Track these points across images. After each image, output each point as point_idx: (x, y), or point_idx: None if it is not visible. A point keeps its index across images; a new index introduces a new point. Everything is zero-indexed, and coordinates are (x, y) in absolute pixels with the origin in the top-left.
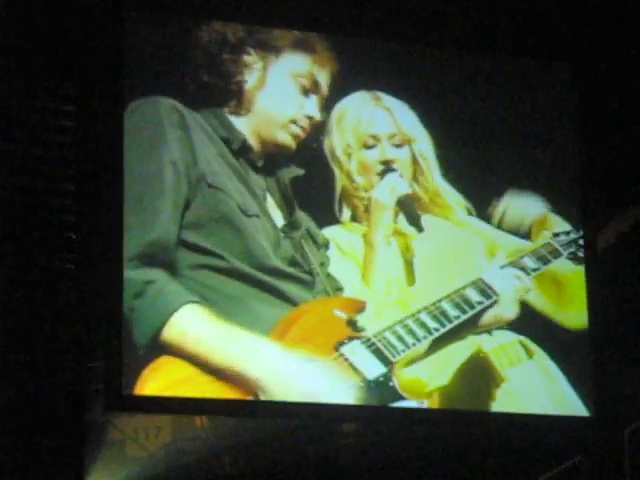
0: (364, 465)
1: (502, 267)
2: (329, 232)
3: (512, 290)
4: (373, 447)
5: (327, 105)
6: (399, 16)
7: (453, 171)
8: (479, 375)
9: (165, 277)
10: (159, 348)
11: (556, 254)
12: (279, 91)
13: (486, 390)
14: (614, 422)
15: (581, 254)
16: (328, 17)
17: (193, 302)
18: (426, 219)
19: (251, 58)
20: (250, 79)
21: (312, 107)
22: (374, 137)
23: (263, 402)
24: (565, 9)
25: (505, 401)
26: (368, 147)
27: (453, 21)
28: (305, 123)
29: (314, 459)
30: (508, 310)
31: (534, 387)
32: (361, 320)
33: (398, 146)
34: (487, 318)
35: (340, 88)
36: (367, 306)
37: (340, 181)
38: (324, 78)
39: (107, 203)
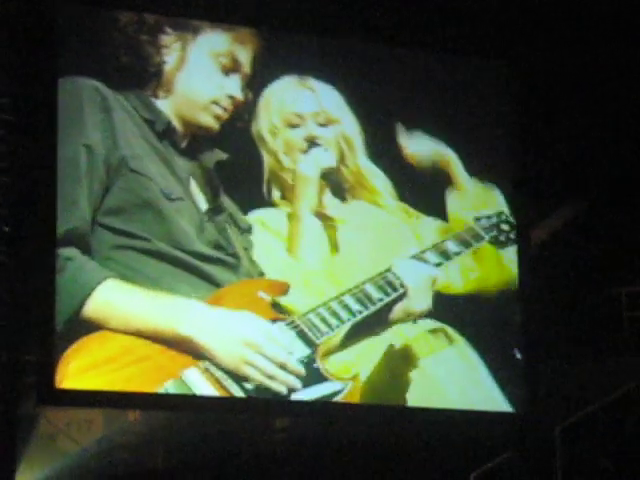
0: (295, 458)
1: (415, 256)
2: (258, 213)
3: (421, 282)
4: (304, 441)
5: (250, 84)
6: (336, 8)
7: (379, 154)
8: (400, 359)
9: (82, 256)
10: (80, 324)
11: (478, 238)
12: (199, 71)
13: (405, 375)
14: (545, 419)
15: (502, 238)
16: (255, 10)
17: (114, 277)
18: (353, 202)
19: (169, 38)
20: (169, 60)
21: (234, 87)
22: (299, 116)
23: (195, 397)
24: (504, 9)
25: (423, 386)
26: (293, 126)
27: (388, 14)
28: (227, 103)
29: (246, 452)
30: (418, 303)
31: (453, 374)
32: (285, 302)
33: (323, 125)
34: (398, 309)
35: (266, 69)
36: (292, 283)
37: (268, 163)
38: (245, 56)
39: (41, 190)
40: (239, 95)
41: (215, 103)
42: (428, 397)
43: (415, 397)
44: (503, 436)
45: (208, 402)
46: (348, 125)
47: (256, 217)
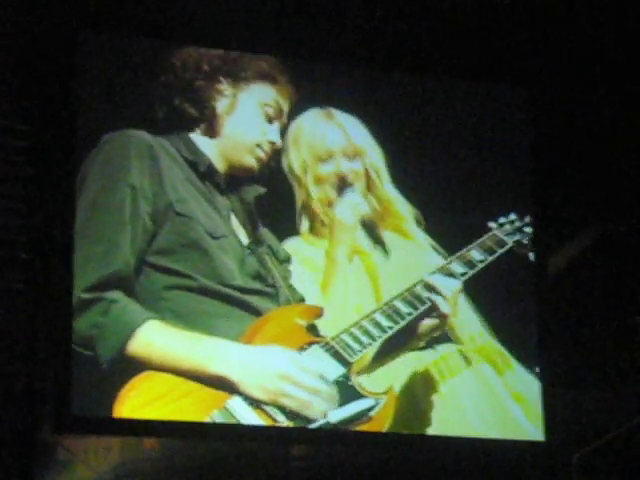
0: None
1: (442, 268)
2: (291, 243)
3: (448, 293)
4: (322, 470)
5: (284, 131)
6: (356, 38)
7: (403, 181)
8: (429, 375)
9: (126, 298)
10: (125, 362)
11: (501, 244)
12: (247, 118)
13: (434, 391)
14: (563, 447)
15: (526, 241)
16: (285, 41)
17: (155, 318)
18: (385, 235)
19: (223, 86)
20: (221, 105)
21: (274, 133)
22: (328, 152)
23: (214, 425)
24: (524, 36)
25: (448, 404)
26: (323, 161)
27: (408, 42)
28: (268, 148)
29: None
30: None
31: (473, 396)
32: (319, 325)
33: (351, 159)
34: (428, 322)
35: (296, 111)
36: (325, 312)
37: (300, 195)
38: (286, 107)
39: (60, 228)
40: (278, 142)
41: (259, 147)
42: (450, 415)
43: (440, 414)
44: (519, 464)
45: (224, 429)
46: (373, 156)
47: (290, 247)
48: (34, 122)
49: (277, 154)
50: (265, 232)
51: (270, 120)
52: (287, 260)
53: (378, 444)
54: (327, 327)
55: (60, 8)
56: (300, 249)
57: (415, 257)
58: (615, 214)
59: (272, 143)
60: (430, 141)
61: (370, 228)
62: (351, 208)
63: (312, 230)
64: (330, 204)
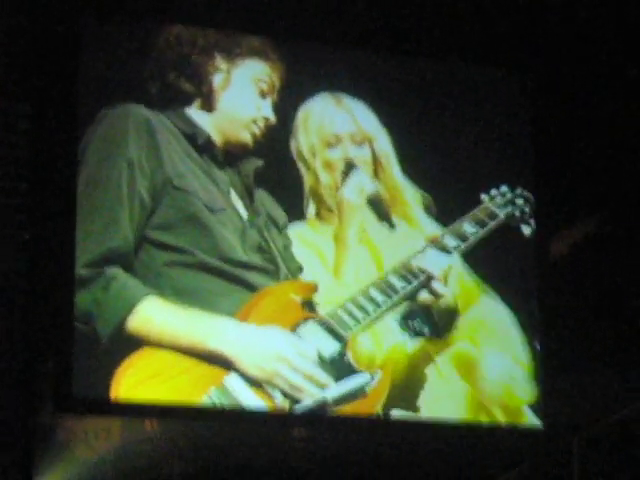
0: (314, 469)
1: (434, 241)
2: (296, 227)
3: (440, 267)
4: (323, 451)
5: (277, 108)
6: (362, 23)
7: (412, 167)
8: (423, 349)
9: (125, 274)
10: (124, 339)
11: (493, 216)
12: (242, 93)
13: (425, 370)
14: (564, 430)
15: (518, 213)
16: (284, 23)
17: (154, 294)
18: (394, 221)
19: (218, 61)
20: (216, 80)
21: (267, 109)
22: (336, 137)
23: (215, 408)
24: (527, 25)
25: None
26: (331, 146)
27: (414, 28)
28: (262, 123)
29: (265, 463)
30: (440, 287)
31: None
32: (315, 300)
33: (359, 144)
34: (422, 296)
35: (297, 85)
36: (335, 301)
37: (307, 179)
38: (277, 83)
39: (61, 205)
40: (271, 117)
41: (254, 122)
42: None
43: (436, 389)
44: (519, 447)
45: (223, 413)
46: (382, 142)
47: (296, 231)
48: (36, 102)
49: (270, 130)
50: (263, 197)
51: (264, 95)
52: (286, 226)
53: (378, 428)
54: (321, 299)
55: None
56: (305, 234)
57: (417, 244)
58: (620, 200)
59: (266, 119)
60: (437, 127)
61: (377, 207)
62: (357, 188)
63: (318, 215)
64: (337, 188)
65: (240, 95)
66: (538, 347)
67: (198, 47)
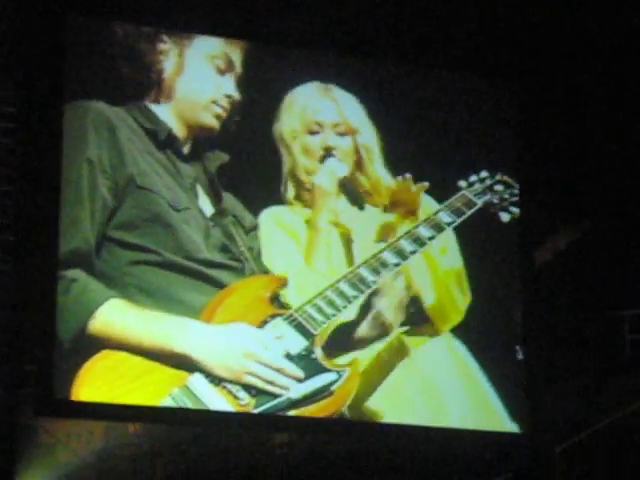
0: (295, 475)
1: (409, 232)
2: (274, 210)
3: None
4: (304, 457)
5: (241, 82)
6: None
7: (396, 164)
8: (391, 351)
9: (86, 276)
10: (86, 342)
11: (471, 205)
12: (197, 74)
13: (396, 364)
14: (545, 439)
15: (496, 200)
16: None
17: (116, 297)
18: (369, 209)
19: (167, 45)
20: (168, 66)
21: (229, 86)
22: (319, 124)
23: (195, 410)
24: (517, 34)
25: (414, 374)
26: (312, 133)
27: (408, 35)
28: (225, 102)
29: (245, 467)
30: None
31: (444, 365)
32: (284, 296)
33: (341, 135)
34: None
35: (286, 73)
36: (307, 288)
37: (287, 162)
38: (237, 57)
39: (44, 206)
40: (235, 94)
41: (214, 103)
42: (421, 388)
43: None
44: (502, 455)
45: (207, 416)
46: (367, 135)
47: (271, 214)
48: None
49: (236, 107)
50: (230, 200)
51: (222, 72)
52: (253, 228)
53: (359, 432)
54: (290, 295)
55: None
56: (284, 216)
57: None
58: (603, 209)
59: (229, 96)
60: (424, 124)
61: (349, 191)
62: (330, 173)
63: (298, 197)
64: (313, 173)
65: (196, 77)
66: (521, 356)
67: (144, 34)
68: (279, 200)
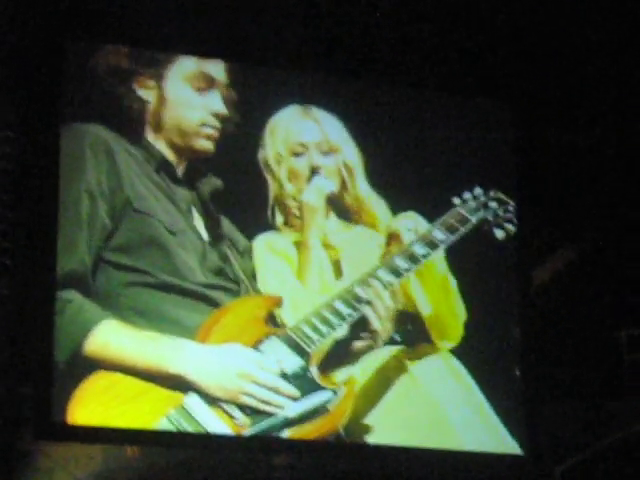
0: None
1: (404, 251)
2: (265, 236)
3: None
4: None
5: (230, 96)
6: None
7: (379, 181)
8: (393, 363)
9: (81, 298)
10: (81, 363)
11: (464, 222)
12: (179, 100)
13: (394, 382)
14: (544, 461)
15: (490, 217)
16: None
17: (110, 317)
18: (356, 227)
19: (143, 79)
20: (150, 99)
21: (215, 102)
22: (302, 145)
23: (195, 435)
24: (511, 50)
25: (411, 392)
26: (297, 155)
27: (392, 52)
28: (214, 121)
29: None
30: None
31: (442, 383)
32: (279, 316)
33: (325, 154)
34: None
35: (268, 96)
36: (302, 306)
37: (273, 189)
38: (216, 69)
39: (42, 229)
40: (223, 110)
41: (204, 125)
42: (418, 406)
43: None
44: (502, 476)
45: (205, 439)
46: (349, 153)
47: (263, 239)
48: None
49: (227, 124)
50: (226, 224)
51: (204, 90)
52: (248, 251)
53: (355, 454)
54: (285, 314)
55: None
56: (275, 242)
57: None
58: (601, 229)
59: (217, 114)
60: (407, 140)
61: (338, 206)
62: (317, 190)
63: (287, 223)
64: (301, 194)
65: (179, 104)
66: (518, 373)
67: (120, 74)
68: (268, 226)
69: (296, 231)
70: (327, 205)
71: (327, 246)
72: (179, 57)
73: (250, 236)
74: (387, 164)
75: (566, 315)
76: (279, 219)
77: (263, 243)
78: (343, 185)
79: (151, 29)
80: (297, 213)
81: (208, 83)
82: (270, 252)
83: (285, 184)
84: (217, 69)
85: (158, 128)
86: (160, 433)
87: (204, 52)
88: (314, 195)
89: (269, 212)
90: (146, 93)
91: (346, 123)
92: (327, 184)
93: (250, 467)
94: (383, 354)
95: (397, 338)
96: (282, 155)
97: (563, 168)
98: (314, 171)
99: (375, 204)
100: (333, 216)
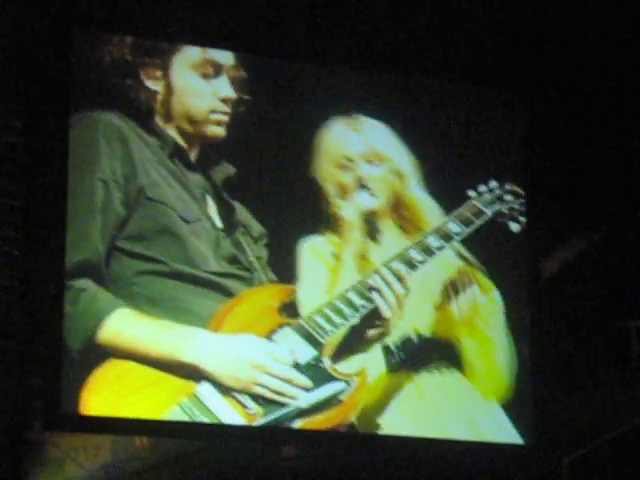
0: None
1: (418, 242)
2: (310, 240)
3: None
4: (313, 469)
5: (238, 81)
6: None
7: (432, 185)
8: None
9: (95, 286)
10: (94, 352)
11: (480, 214)
12: (187, 88)
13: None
14: (552, 452)
15: (506, 210)
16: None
17: (124, 306)
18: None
19: (151, 70)
20: (159, 89)
21: (223, 87)
22: (348, 158)
23: (204, 425)
24: (524, 44)
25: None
26: (343, 168)
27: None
28: (224, 107)
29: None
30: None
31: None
32: (293, 306)
33: (372, 163)
34: None
35: (314, 107)
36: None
37: (323, 202)
38: (222, 53)
39: (51, 218)
40: (231, 94)
41: (213, 111)
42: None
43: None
44: (507, 467)
45: (215, 429)
46: (399, 159)
47: (308, 244)
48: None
49: (239, 108)
50: (239, 209)
51: (211, 77)
52: (261, 237)
53: (365, 445)
54: (300, 305)
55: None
56: (320, 246)
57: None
58: (610, 220)
59: (225, 100)
60: (432, 136)
61: (371, 225)
62: (357, 207)
63: (333, 230)
64: (342, 208)
65: (187, 92)
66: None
67: (125, 66)
68: (316, 230)
69: (338, 242)
70: (364, 222)
71: (363, 261)
72: (184, 46)
73: (265, 221)
74: (435, 166)
75: (575, 306)
76: (325, 226)
77: (309, 248)
78: (393, 192)
79: (157, 19)
80: (339, 225)
81: (215, 69)
82: (314, 256)
83: (333, 198)
84: (223, 53)
85: (168, 117)
86: (169, 423)
87: (210, 42)
88: (351, 211)
89: (316, 218)
90: (154, 84)
91: (394, 129)
92: (368, 201)
93: (258, 458)
94: None
95: None
96: (329, 172)
97: (574, 161)
98: (360, 183)
99: (428, 209)
100: (368, 232)
